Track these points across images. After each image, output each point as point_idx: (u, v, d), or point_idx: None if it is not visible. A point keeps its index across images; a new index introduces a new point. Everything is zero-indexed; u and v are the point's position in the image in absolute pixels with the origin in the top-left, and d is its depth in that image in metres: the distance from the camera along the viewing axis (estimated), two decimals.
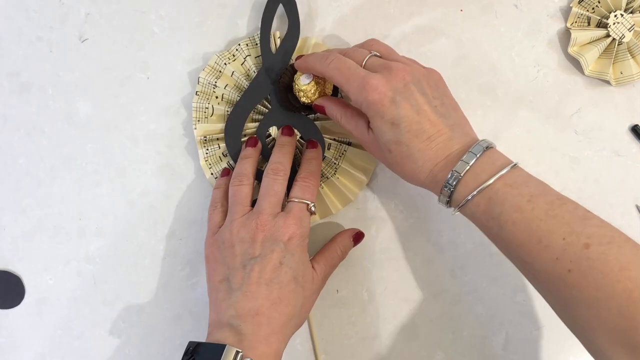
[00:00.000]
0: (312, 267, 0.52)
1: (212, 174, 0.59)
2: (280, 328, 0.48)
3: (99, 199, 0.60)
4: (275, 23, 0.59)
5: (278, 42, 0.59)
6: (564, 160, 0.61)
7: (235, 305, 0.48)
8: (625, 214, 0.61)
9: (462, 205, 0.46)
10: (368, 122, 0.50)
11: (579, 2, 0.60)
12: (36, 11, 0.61)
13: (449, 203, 0.47)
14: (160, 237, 0.60)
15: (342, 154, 0.59)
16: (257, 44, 0.59)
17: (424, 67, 0.51)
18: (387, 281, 0.60)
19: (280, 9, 0.59)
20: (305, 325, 0.60)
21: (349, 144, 0.59)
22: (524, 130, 0.61)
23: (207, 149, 0.58)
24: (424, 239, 0.60)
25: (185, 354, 0.46)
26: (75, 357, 0.60)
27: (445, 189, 0.46)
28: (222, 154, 0.59)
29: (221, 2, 0.61)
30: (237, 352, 0.45)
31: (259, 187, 0.54)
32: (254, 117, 0.59)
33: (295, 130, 0.58)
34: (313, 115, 0.59)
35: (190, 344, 0.47)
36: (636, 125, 0.61)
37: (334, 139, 0.59)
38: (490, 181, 0.44)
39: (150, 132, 0.61)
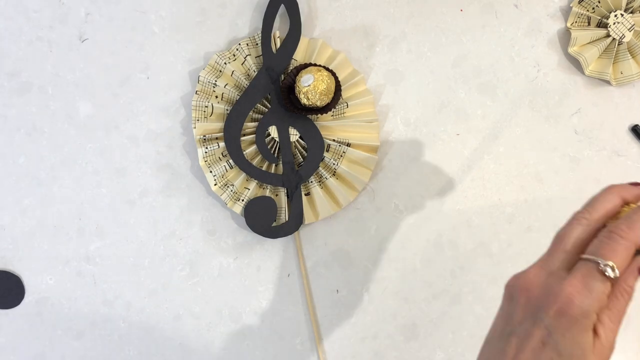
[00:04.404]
0: (595, 331, 0.37)
1: (211, 172, 0.59)
2: None
3: (99, 199, 0.60)
4: (275, 23, 0.59)
5: (278, 42, 0.59)
6: (564, 160, 0.61)
7: None
8: None
9: None
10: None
11: (579, 2, 0.60)
12: (36, 11, 0.61)
13: None
14: (160, 237, 0.60)
15: (342, 155, 0.59)
16: (257, 44, 0.59)
17: None
18: (387, 281, 0.60)
19: (281, 8, 0.59)
20: (305, 325, 0.60)
21: (349, 145, 0.59)
22: (524, 130, 0.61)
23: (207, 148, 0.58)
24: (424, 239, 0.60)
25: None
26: (75, 357, 0.60)
27: None
28: (222, 153, 0.59)
29: (221, 2, 0.61)
30: None
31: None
32: (254, 116, 0.59)
33: (295, 130, 0.58)
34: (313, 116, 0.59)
35: None
36: (636, 125, 0.61)
37: (333, 140, 0.59)
38: None
39: (150, 132, 0.61)
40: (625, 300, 0.37)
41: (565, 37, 0.61)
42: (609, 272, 0.36)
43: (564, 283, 0.37)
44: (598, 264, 0.36)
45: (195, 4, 0.61)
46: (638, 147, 0.61)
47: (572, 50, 0.60)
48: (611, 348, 0.37)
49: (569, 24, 0.61)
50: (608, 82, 0.60)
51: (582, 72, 0.60)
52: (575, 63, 0.61)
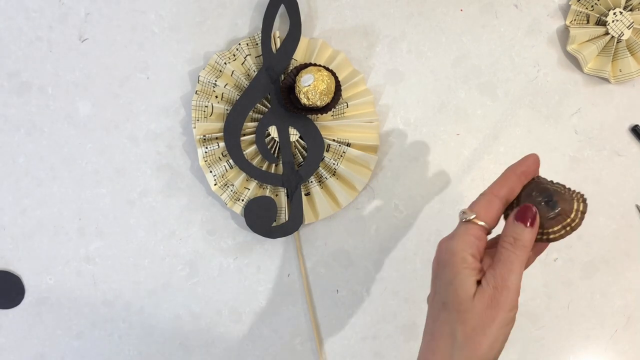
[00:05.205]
0: (479, 281, 0.40)
1: (211, 172, 0.59)
2: None
3: (99, 199, 0.60)
4: (275, 23, 0.59)
5: (278, 41, 0.59)
6: (564, 160, 0.61)
7: None
8: (625, 214, 0.61)
9: None
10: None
11: (578, 0, 0.60)
12: (36, 11, 0.61)
13: None
14: (160, 237, 0.60)
15: (342, 155, 0.59)
16: (257, 44, 0.59)
17: None
18: (387, 281, 0.60)
19: (281, 8, 0.59)
20: (304, 325, 0.60)
21: (349, 145, 0.59)
22: (524, 130, 0.61)
23: (207, 148, 0.58)
24: (424, 239, 0.60)
25: None
26: (75, 357, 0.60)
27: None
28: (222, 153, 0.59)
29: (221, 2, 0.61)
30: None
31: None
32: (254, 116, 0.59)
33: (295, 130, 0.58)
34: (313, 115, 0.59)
35: None
36: (636, 126, 0.61)
37: (334, 140, 0.59)
38: None
39: (150, 132, 0.61)
40: (505, 248, 0.40)
41: (564, 35, 0.61)
42: (462, 216, 0.42)
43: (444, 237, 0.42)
44: (461, 212, 0.42)
45: (195, 4, 0.61)
46: (638, 147, 0.61)
47: (570, 48, 0.60)
48: (499, 294, 0.39)
49: (567, 22, 0.60)
50: (607, 80, 0.60)
51: (581, 70, 0.60)
52: (575, 62, 0.61)
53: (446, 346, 0.40)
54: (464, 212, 0.42)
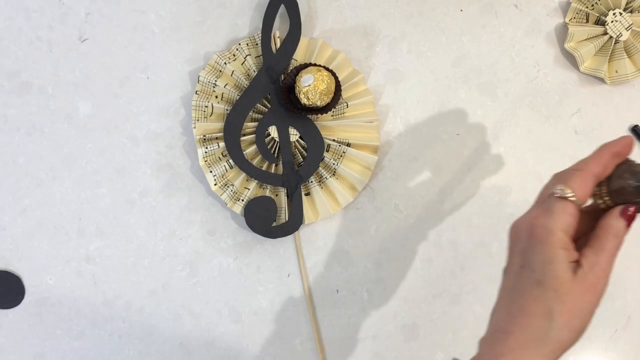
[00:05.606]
0: (577, 261, 0.40)
1: (211, 172, 0.59)
2: (522, 345, 0.39)
3: (99, 199, 0.60)
4: (275, 23, 0.59)
5: (278, 42, 0.59)
6: (564, 160, 0.61)
7: (490, 318, 0.43)
8: None
9: None
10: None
11: None
12: (36, 11, 0.61)
13: None
14: (160, 237, 0.60)
15: (341, 155, 0.59)
16: (257, 44, 0.59)
17: None
18: (387, 281, 0.60)
19: (281, 8, 0.59)
20: (305, 324, 0.60)
21: (349, 145, 0.59)
22: (524, 130, 0.61)
23: (207, 148, 0.58)
24: (424, 239, 0.60)
25: None
26: (75, 357, 0.60)
27: None
28: (222, 153, 0.59)
29: (221, 2, 0.61)
30: None
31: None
32: (254, 116, 0.59)
33: (295, 130, 0.58)
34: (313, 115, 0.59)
35: None
36: (636, 126, 0.61)
37: (334, 140, 0.59)
38: None
39: (150, 132, 0.61)
40: (609, 240, 0.40)
41: (563, 34, 0.61)
42: (559, 192, 0.40)
43: (531, 212, 0.41)
44: (559, 190, 0.40)
45: (195, 4, 0.61)
46: (638, 147, 0.61)
47: (568, 45, 0.60)
48: (599, 282, 0.39)
49: (567, 20, 0.61)
50: (602, 80, 0.60)
51: (578, 69, 0.60)
52: (574, 61, 0.61)
53: (541, 324, 0.39)
54: (560, 188, 0.40)
